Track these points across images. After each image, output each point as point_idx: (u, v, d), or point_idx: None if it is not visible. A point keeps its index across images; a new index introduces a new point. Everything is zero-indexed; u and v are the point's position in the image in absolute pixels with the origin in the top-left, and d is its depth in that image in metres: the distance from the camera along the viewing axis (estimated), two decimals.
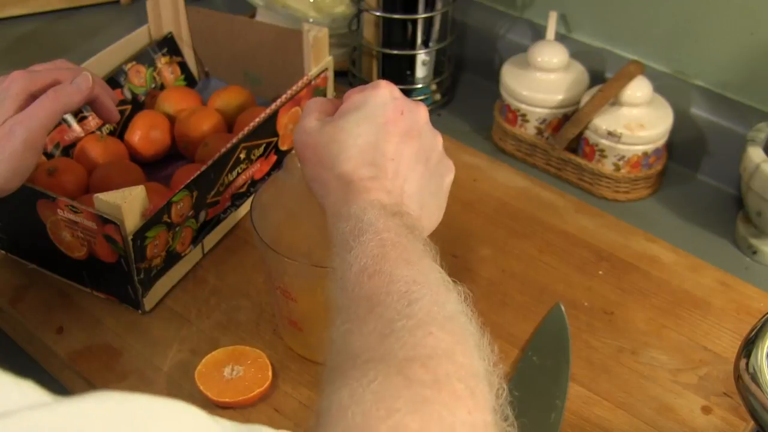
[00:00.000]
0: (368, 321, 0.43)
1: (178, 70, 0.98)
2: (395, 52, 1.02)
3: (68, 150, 0.87)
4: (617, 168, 0.90)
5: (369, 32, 1.01)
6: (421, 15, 0.98)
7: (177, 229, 0.74)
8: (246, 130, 0.79)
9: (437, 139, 0.57)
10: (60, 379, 0.73)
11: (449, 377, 0.39)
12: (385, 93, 0.55)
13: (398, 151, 0.53)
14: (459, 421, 0.38)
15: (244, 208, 0.85)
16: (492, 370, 0.44)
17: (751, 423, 0.49)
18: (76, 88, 0.66)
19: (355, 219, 0.49)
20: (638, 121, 0.88)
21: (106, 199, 0.66)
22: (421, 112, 0.56)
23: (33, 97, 0.64)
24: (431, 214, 0.56)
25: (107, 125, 0.90)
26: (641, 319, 0.75)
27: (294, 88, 0.85)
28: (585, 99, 0.91)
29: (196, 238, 0.79)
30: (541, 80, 0.94)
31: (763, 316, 0.52)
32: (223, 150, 0.76)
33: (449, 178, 0.58)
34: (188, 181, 0.73)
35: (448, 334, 0.42)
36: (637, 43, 0.96)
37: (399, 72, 1.04)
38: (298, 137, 0.56)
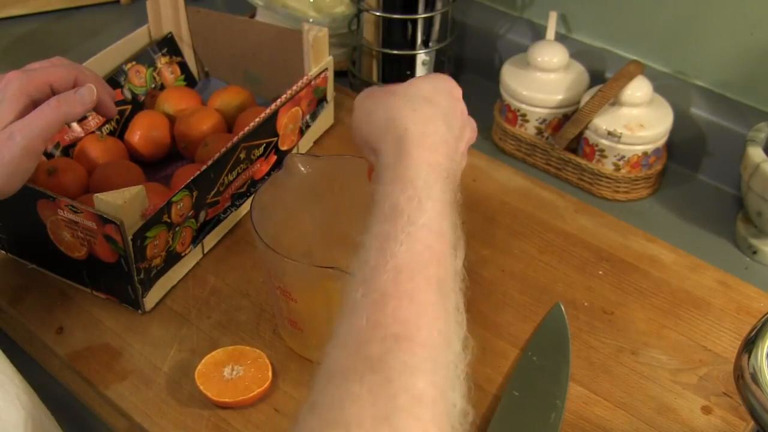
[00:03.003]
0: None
1: (178, 70, 0.98)
2: (395, 52, 1.02)
3: (68, 150, 0.87)
4: (617, 168, 0.90)
5: (369, 32, 1.01)
6: (421, 15, 0.98)
7: (177, 229, 0.74)
8: (246, 130, 0.79)
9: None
10: (60, 379, 0.73)
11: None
12: (452, 84, 0.58)
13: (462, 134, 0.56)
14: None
15: (244, 208, 0.85)
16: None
17: (751, 423, 0.49)
18: (80, 100, 0.65)
19: (413, 185, 0.47)
20: (638, 121, 0.88)
21: (106, 199, 0.66)
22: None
23: (30, 98, 0.64)
24: None
25: (107, 125, 0.90)
26: (641, 319, 0.75)
27: (294, 88, 0.85)
28: (585, 99, 0.91)
29: (196, 238, 0.79)
30: (541, 80, 0.94)
31: (763, 316, 0.52)
32: (223, 150, 0.76)
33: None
34: (188, 181, 0.73)
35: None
36: (637, 43, 0.96)
37: (399, 72, 1.04)
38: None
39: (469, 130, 0.58)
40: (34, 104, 0.64)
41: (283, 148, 0.87)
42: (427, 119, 0.52)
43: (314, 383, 0.40)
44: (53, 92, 0.66)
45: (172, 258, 0.76)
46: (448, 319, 0.43)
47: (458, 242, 0.47)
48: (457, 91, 0.58)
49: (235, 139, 0.77)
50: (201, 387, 0.67)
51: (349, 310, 0.42)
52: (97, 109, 0.70)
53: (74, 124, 0.87)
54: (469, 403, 0.41)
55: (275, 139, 0.85)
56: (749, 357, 0.49)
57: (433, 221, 0.45)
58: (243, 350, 0.70)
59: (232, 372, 0.68)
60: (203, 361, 0.69)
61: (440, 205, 0.47)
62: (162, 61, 0.96)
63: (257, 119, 0.80)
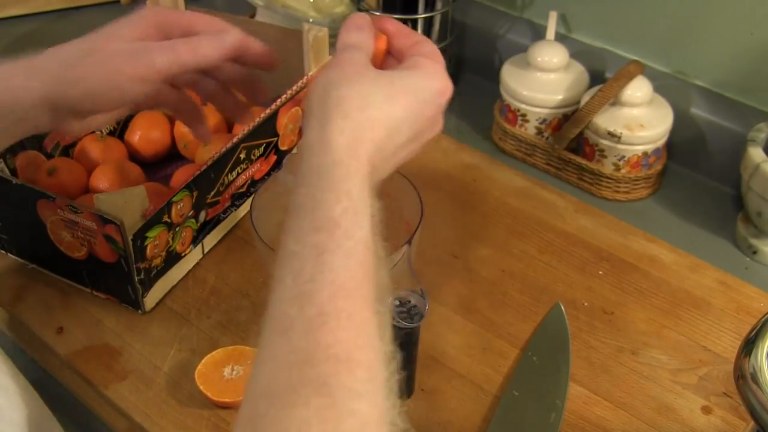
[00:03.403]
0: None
1: None
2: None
3: (68, 150, 0.87)
4: (617, 168, 0.90)
5: None
6: (421, 15, 0.98)
7: (177, 229, 0.74)
8: (246, 130, 0.79)
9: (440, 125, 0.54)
10: (60, 379, 0.73)
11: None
12: (446, 89, 0.52)
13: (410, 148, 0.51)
14: None
15: (244, 208, 0.85)
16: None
17: (751, 423, 0.49)
18: (219, 43, 0.55)
19: (348, 200, 0.44)
20: (638, 121, 0.88)
21: (106, 198, 0.66)
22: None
23: (162, 32, 0.57)
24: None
25: (107, 125, 0.90)
26: (641, 319, 0.75)
27: (294, 88, 0.85)
28: (585, 99, 0.91)
29: (196, 238, 0.79)
30: (541, 80, 0.94)
31: (763, 316, 0.52)
32: (223, 150, 0.76)
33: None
34: (188, 181, 0.73)
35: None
36: (637, 43, 0.96)
37: None
38: (339, 57, 0.50)
39: (428, 132, 0.52)
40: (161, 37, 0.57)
41: (283, 148, 0.87)
42: (370, 123, 0.46)
43: (251, 401, 0.39)
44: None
45: (172, 258, 0.76)
46: (381, 336, 0.42)
47: (382, 254, 0.45)
48: (441, 91, 0.52)
49: (235, 139, 0.77)
50: (201, 387, 0.67)
51: (283, 326, 0.40)
52: (249, 93, 0.63)
53: None
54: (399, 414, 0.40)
55: (275, 139, 0.85)
56: (749, 357, 0.49)
57: (367, 236, 0.43)
58: (243, 350, 0.70)
59: (232, 372, 0.68)
60: (203, 361, 0.69)
61: (370, 219, 0.44)
62: None
63: (257, 119, 0.80)
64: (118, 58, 0.54)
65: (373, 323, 0.42)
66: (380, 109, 0.47)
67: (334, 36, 1.03)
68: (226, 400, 0.66)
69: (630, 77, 0.88)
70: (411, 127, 0.49)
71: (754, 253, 0.84)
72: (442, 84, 0.52)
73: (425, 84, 0.51)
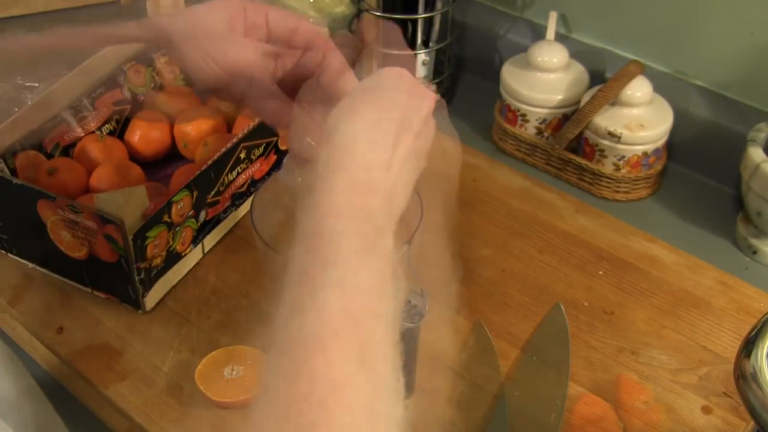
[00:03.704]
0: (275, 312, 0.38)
1: (177, 69, 0.98)
2: (395, 52, 1.02)
3: (68, 150, 0.87)
4: (617, 168, 0.90)
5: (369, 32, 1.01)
6: (421, 15, 0.98)
7: (177, 228, 0.74)
8: (246, 129, 0.79)
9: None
10: (60, 379, 0.73)
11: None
12: (390, 70, 0.50)
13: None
14: None
15: (244, 208, 0.85)
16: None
17: (751, 423, 0.49)
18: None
19: (337, 144, 0.42)
20: (638, 121, 0.88)
21: (107, 198, 0.67)
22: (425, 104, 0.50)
23: (246, 18, 0.56)
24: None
25: (107, 125, 0.90)
26: (641, 319, 0.75)
27: None
28: (585, 99, 0.91)
29: (197, 238, 0.79)
30: (541, 80, 0.94)
31: (763, 316, 0.52)
32: (223, 150, 0.76)
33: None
34: (188, 180, 0.73)
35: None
36: (637, 43, 0.96)
37: None
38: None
39: (424, 134, 0.48)
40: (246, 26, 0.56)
41: (283, 147, 0.87)
42: (348, 141, 0.43)
43: None
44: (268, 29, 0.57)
45: (173, 258, 0.76)
46: (375, 390, 0.36)
47: (392, 289, 0.40)
48: (386, 73, 0.49)
49: (235, 139, 0.77)
50: (201, 387, 0.67)
51: (267, 386, 0.37)
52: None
53: (74, 124, 0.87)
54: None
55: (275, 138, 0.85)
56: (749, 357, 0.49)
57: (347, 278, 0.38)
58: (243, 350, 0.70)
59: (232, 372, 0.68)
60: (203, 361, 0.69)
61: (356, 258, 0.39)
62: (161, 61, 0.95)
63: (257, 119, 0.80)
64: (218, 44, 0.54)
65: (361, 375, 0.37)
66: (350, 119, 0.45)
67: (333, 35, 1.03)
68: (227, 399, 0.66)
69: (630, 77, 0.88)
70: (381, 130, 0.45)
71: (754, 253, 0.84)
72: (384, 70, 0.49)
73: (362, 85, 0.49)
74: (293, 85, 0.56)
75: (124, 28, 0.55)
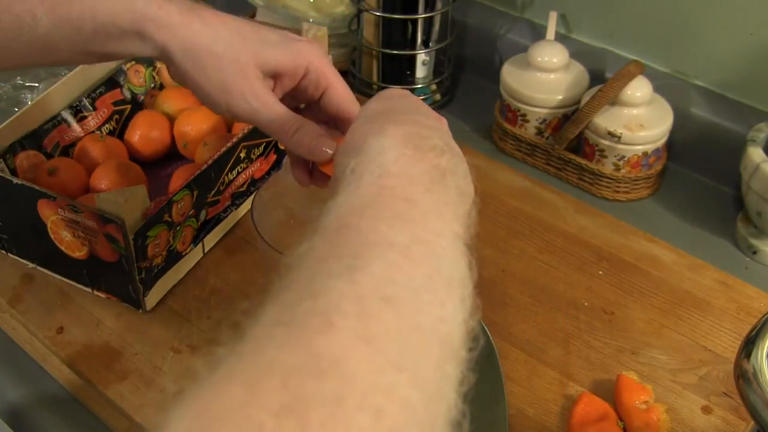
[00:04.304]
0: (276, 299, 0.34)
1: None
2: (395, 52, 1.02)
3: (68, 150, 0.87)
4: (617, 168, 0.90)
5: (369, 32, 1.01)
6: (421, 15, 0.98)
7: (178, 228, 0.74)
8: (246, 129, 0.79)
9: None
10: (60, 379, 0.73)
11: (309, 399, 0.28)
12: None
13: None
14: None
15: (244, 208, 0.85)
16: (434, 381, 0.32)
17: (751, 423, 0.50)
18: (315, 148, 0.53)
19: (368, 154, 0.41)
20: (638, 121, 0.88)
21: (108, 198, 0.66)
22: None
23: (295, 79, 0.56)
24: None
25: (107, 125, 0.90)
26: (641, 319, 0.75)
27: None
28: (585, 99, 0.91)
29: (197, 238, 0.79)
30: (541, 80, 0.94)
31: (763, 316, 0.52)
32: (223, 149, 0.76)
33: None
34: (188, 180, 0.73)
35: (358, 327, 0.31)
36: (637, 43, 0.96)
37: (399, 72, 1.04)
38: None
39: (448, 153, 0.46)
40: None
41: (283, 147, 0.87)
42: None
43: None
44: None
45: (173, 257, 0.76)
46: (381, 367, 0.30)
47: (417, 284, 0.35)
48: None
49: (235, 138, 0.77)
50: None
51: (259, 351, 0.32)
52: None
53: (74, 124, 0.87)
54: None
55: (275, 138, 0.85)
56: (749, 357, 0.49)
57: (366, 268, 0.34)
58: None
59: None
60: None
61: (380, 250, 0.35)
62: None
63: None
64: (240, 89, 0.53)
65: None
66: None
67: (333, 36, 1.03)
68: None
69: (630, 77, 0.88)
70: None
71: (754, 253, 0.84)
72: (387, 93, 0.51)
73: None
74: (291, 106, 0.56)
75: (130, 47, 0.54)
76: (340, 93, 0.56)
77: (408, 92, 0.51)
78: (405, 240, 0.36)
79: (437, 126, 0.47)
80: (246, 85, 0.53)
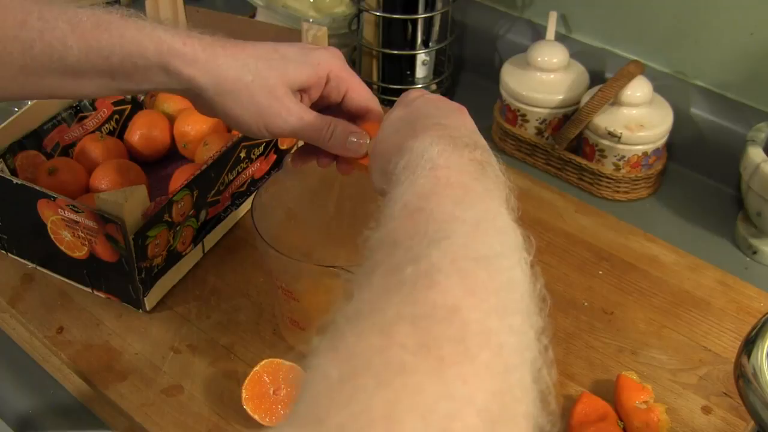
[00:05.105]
0: (378, 269, 0.37)
1: None
2: (395, 52, 1.02)
3: (68, 150, 0.87)
4: (617, 168, 0.90)
5: (369, 32, 1.01)
6: (421, 15, 0.98)
7: (178, 228, 0.74)
8: None
9: None
10: (60, 379, 0.73)
11: (440, 339, 0.32)
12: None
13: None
14: (446, 394, 0.30)
15: (244, 208, 0.85)
16: (526, 328, 0.36)
17: (751, 423, 0.50)
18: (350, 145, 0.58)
19: (415, 153, 0.44)
20: (638, 121, 0.88)
21: (108, 198, 0.66)
22: None
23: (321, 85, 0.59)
24: None
25: (107, 125, 0.90)
26: (641, 319, 0.75)
27: None
28: (585, 99, 0.91)
29: (197, 238, 0.79)
30: (541, 80, 0.94)
31: (763, 316, 0.52)
32: (223, 149, 0.76)
33: None
34: (188, 180, 0.73)
35: (460, 283, 0.35)
36: (637, 43, 0.96)
37: (399, 72, 1.04)
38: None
39: (480, 146, 0.49)
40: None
41: (283, 147, 0.87)
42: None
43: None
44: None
45: (173, 257, 0.76)
46: (486, 315, 0.35)
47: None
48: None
49: (235, 138, 0.77)
50: (255, 416, 0.64)
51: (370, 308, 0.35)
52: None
53: (74, 124, 0.87)
54: None
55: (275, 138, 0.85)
56: (749, 357, 0.49)
57: (448, 239, 0.38)
58: (278, 364, 0.66)
59: (279, 391, 0.65)
60: (244, 386, 0.65)
61: (452, 226, 0.39)
62: None
63: None
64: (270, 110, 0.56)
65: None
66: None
67: (333, 36, 1.03)
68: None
69: (630, 77, 0.88)
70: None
71: (754, 253, 0.84)
72: (409, 97, 0.54)
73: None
74: (317, 110, 0.59)
75: (155, 79, 0.55)
76: (360, 93, 0.60)
77: (424, 91, 0.55)
78: (473, 217, 0.40)
79: (460, 124, 0.51)
80: (280, 105, 0.56)
